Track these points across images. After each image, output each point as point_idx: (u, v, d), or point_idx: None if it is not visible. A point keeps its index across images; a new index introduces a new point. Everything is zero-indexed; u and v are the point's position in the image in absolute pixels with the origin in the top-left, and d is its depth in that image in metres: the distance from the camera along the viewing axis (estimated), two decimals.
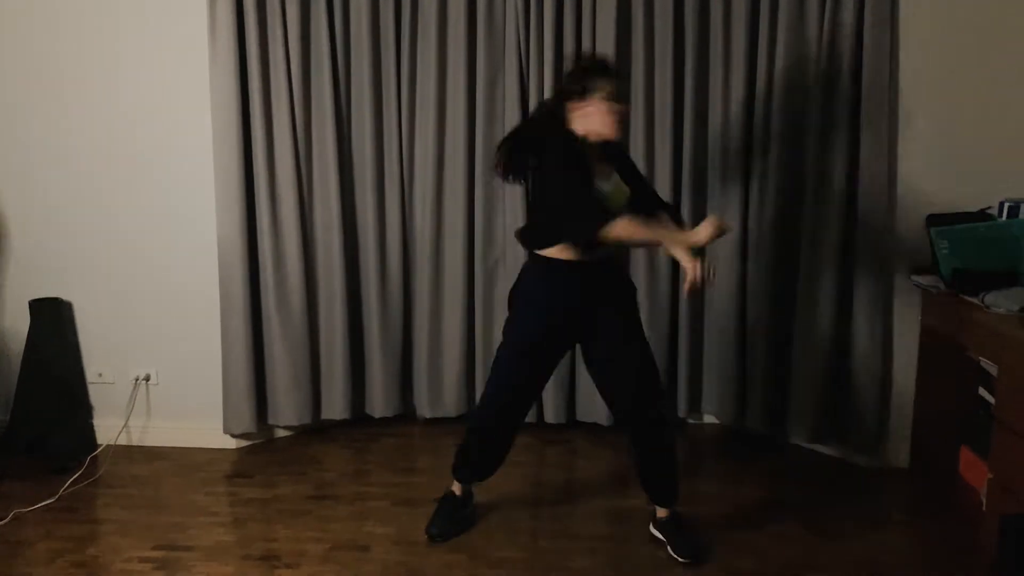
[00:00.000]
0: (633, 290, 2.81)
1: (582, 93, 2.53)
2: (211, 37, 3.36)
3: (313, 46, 3.47)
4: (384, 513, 3.06)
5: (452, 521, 2.90)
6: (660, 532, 2.83)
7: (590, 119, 2.54)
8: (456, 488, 2.94)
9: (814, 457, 3.49)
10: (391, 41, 3.51)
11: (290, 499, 3.17)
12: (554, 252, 2.59)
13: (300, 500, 3.16)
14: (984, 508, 2.76)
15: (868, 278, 3.27)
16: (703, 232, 2.41)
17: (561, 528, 2.94)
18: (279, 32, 3.40)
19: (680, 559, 2.72)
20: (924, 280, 3.10)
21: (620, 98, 2.55)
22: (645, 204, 2.68)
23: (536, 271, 2.65)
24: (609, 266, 2.69)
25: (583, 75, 2.56)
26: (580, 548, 2.82)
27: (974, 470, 3.02)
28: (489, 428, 2.81)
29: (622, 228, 2.40)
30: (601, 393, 2.80)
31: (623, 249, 2.67)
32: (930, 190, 3.22)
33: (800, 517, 3.02)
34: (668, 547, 2.77)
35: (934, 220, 3.07)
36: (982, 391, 3.03)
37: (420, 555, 2.79)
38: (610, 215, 2.42)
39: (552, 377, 3.56)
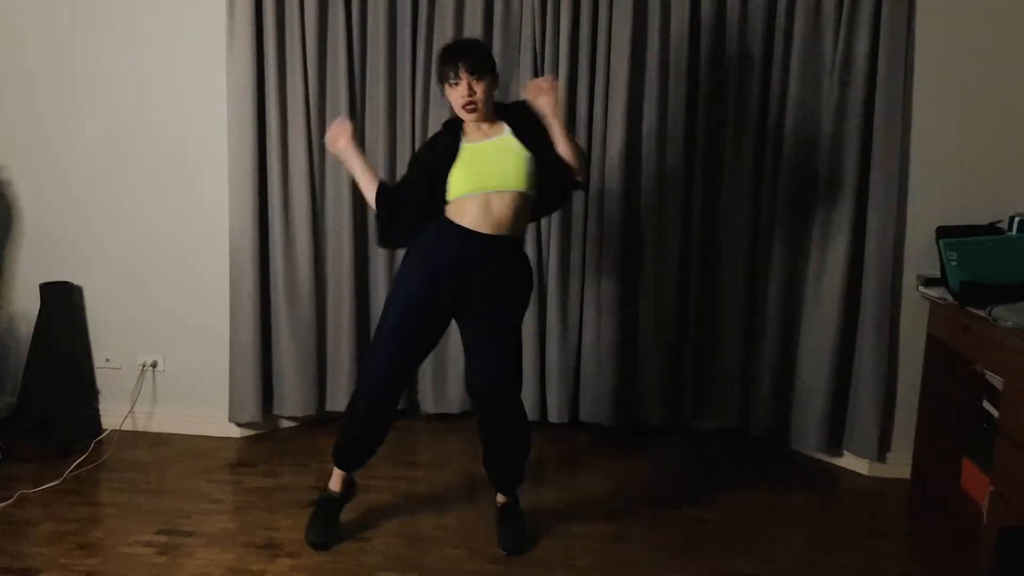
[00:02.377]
0: (523, 274, 2.76)
1: (440, 84, 2.63)
2: (229, 27, 3.38)
3: (330, 39, 3.49)
4: (386, 506, 3.07)
5: (333, 521, 2.86)
6: (497, 515, 2.88)
7: (454, 106, 2.62)
8: (335, 483, 2.88)
9: (816, 465, 3.49)
10: (407, 35, 3.52)
11: (293, 489, 3.19)
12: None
13: (303, 490, 3.17)
14: (985, 521, 2.76)
15: (876, 288, 3.27)
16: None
17: (562, 526, 2.95)
18: (296, 24, 3.42)
19: (503, 550, 2.78)
20: (932, 292, 3.11)
21: (471, 76, 2.54)
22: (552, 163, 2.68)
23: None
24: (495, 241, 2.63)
25: (437, 68, 2.66)
26: (580, 546, 2.83)
27: (976, 482, 3.02)
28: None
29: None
30: (465, 364, 2.80)
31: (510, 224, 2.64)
32: (940, 202, 3.22)
33: (801, 524, 3.03)
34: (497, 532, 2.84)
35: (944, 232, 3.08)
36: (986, 404, 3.03)
37: (421, 548, 2.80)
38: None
39: (556, 377, 3.62)
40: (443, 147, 2.65)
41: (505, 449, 2.81)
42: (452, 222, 2.61)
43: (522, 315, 2.76)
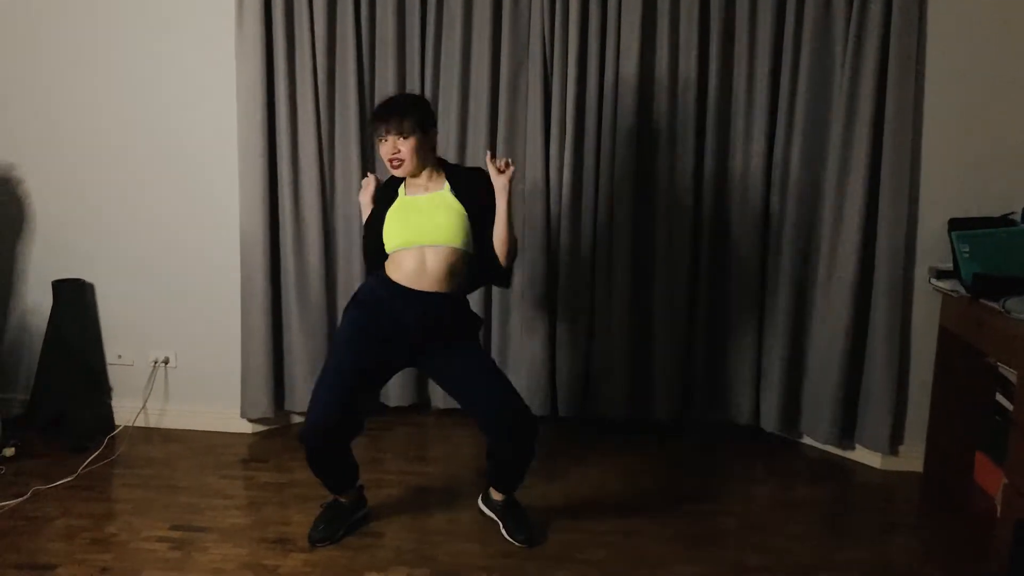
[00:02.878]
0: (472, 325, 2.82)
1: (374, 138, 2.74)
2: (238, 26, 3.39)
3: (339, 35, 3.49)
4: (397, 501, 3.08)
5: (338, 523, 2.84)
6: (493, 511, 2.90)
7: (383, 160, 2.71)
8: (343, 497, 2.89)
9: (828, 459, 3.49)
10: (416, 31, 3.52)
11: (305, 484, 3.19)
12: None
13: (314, 486, 3.14)
14: (999, 514, 2.75)
15: (887, 280, 3.26)
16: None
17: (573, 521, 2.95)
18: (305, 21, 3.42)
19: (515, 541, 2.79)
20: (944, 284, 3.09)
21: (395, 135, 2.63)
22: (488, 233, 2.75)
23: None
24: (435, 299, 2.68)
25: (369, 123, 2.84)
26: (592, 540, 2.83)
27: (989, 476, 3.01)
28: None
29: None
30: (463, 403, 2.78)
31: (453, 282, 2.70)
32: (952, 193, 3.21)
33: (813, 518, 3.03)
34: (502, 528, 2.85)
35: (956, 224, 3.06)
36: (999, 396, 3.02)
37: (433, 542, 2.81)
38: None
39: (565, 371, 3.62)
40: (386, 195, 2.77)
41: (519, 465, 2.79)
42: (389, 279, 2.68)
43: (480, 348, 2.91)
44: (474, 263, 2.73)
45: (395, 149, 2.64)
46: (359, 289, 2.80)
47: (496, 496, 2.90)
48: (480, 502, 2.98)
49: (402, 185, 2.74)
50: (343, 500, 2.87)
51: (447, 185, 2.71)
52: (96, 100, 3.55)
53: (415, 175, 2.72)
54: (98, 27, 3.50)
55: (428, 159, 2.72)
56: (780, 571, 2.66)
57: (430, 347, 2.70)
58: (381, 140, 2.66)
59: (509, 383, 2.71)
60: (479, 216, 2.70)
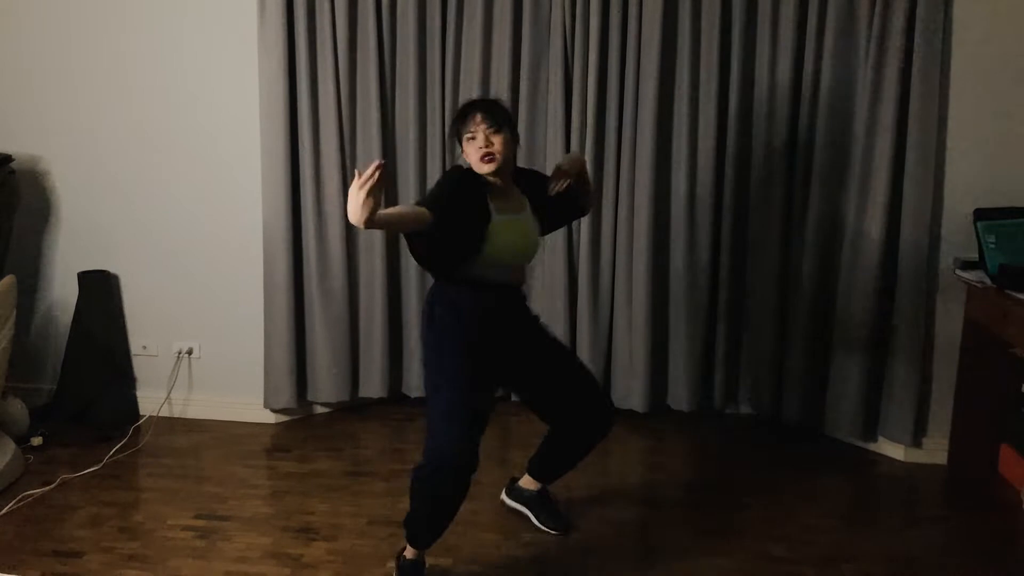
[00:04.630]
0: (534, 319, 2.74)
1: (458, 141, 2.50)
2: (260, 20, 3.40)
3: (360, 30, 3.49)
4: None
5: None
6: (523, 503, 2.89)
7: (471, 160, 2.47)
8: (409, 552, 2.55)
9: (851, 450, 3.47)
10: (437, 23, 3.52)
11: (328, 474, 3.22)
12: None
13: (337, 476, 3.21)
14: (1023, 506, 2.73)
15: (912, 271, 3.23)
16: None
17: (596, 511, 2.96)
18: (327, 16, 3.43)
19: (551, 531, 2.81)
20: (969, 275, 3.07)
21: (487, 128, 2.41)
22: (565, 214, 2.75)
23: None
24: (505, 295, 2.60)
25: (451, 127, 2.54)
26: (615, 531, 2.84)
27: (1014, 468, 2.99)
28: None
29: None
30: (545, 408, 2.74)
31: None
32: (978, 183, 3.17)
33: (835, 509, 3.02)
34: (534, 518, 2.85)
35: (982, 214, 3.03)
36: None
37: (455, 533, 2.80)
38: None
39: (587, 362, 3.60)
40: (471, 205, 2.42)
41: (583, 457, 2.80)
42: (475, 284, 2.49)
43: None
44: None
45: (487, 142, 2.41)
46: (440, 301, 2.51)
47: (531, 486, 2.89)
48: (505, 496, 2.96)
49: (488, 196, 2.45)
50: (420, 558, 2.55)
51: (527, 203, 2.57)
52: (120, 94, 3.58)
53: (502, 178, 2.48)
54: (123, 21, 3.52)
55: (511, 163, 2.52)
56: (802, 562, 2.66)
57: (522, 343, 2.62)
58: (468, 138, 2.43)
59: (588, 377, 2.74)
60: (550, 210, 2.64)
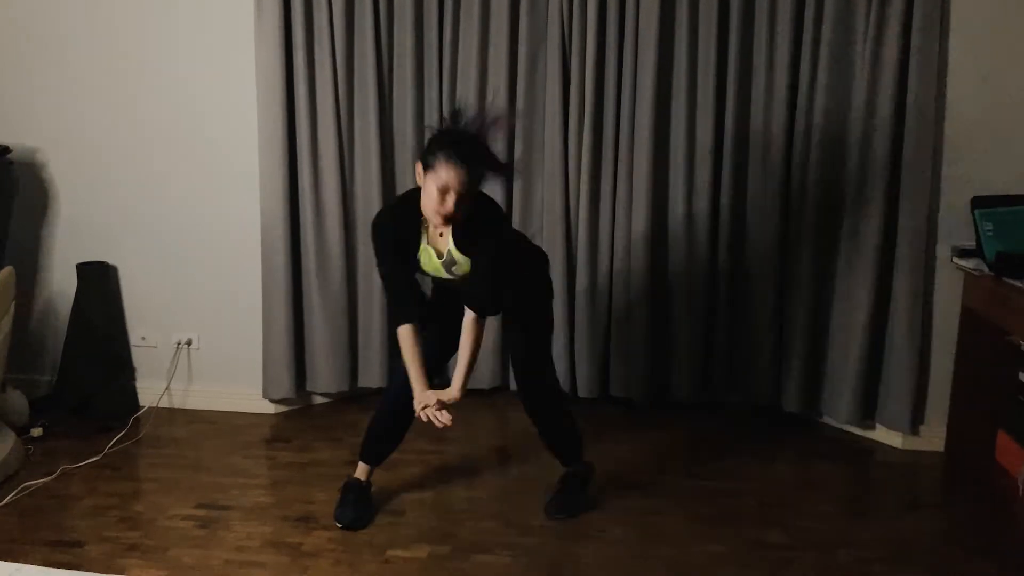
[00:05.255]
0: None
1: (425, 162, 2.41)
2: (257, 10, 3.40)
3: (357, 21, 3.49)
4: (418, 479, 3.11)
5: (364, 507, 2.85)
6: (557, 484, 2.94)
7: (426, 207, 2.42)
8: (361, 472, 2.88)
9: (849, 438, 3.48)
10: (434, 14, 3.51)
11: (327, 464, 3.23)
12: None
13: (337, 465, 3.21)
14: (1020, 493, 2.74)
15: (909, 259, 3.24)
16: (448, 394, 2.57)
17: (595, 498, 2.96)
18: (324, 6, 3.42)
19: (549, 511, 2.86)
20: (967, 263, 3.07)
21: (464, 190, 2.35)
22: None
23: None
24: None
25: (428, 151, 2.41)
26: (613, 518, 2.85)
27: (1011, 455, 3.00)
28: None
29: (402, 340, 2.57)
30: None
31: None
32: (976, 171, 3.18)
33: (833, 496, 3.03)
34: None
35: (979, 202, 3.04)
36: (1022, 376, 3.00)
37: (453, 520, 2.84)
38: (412, 304, 2.60)
39: (585, 351, 3.63)
40: (407, 232, 2.55)
41: (554, 423, 2.90)
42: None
43: None
44: None
45: (456, 207, 2.36)
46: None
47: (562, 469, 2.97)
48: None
49: (423, 228, 2.54)
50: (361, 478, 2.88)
51: (450, 238, 2.53)
52: (118, 85, 3.57)
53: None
54: (119, 12, 3.52)
55: None
56: (801, 549, 2.67)
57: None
58: (439, 187, 2.35)
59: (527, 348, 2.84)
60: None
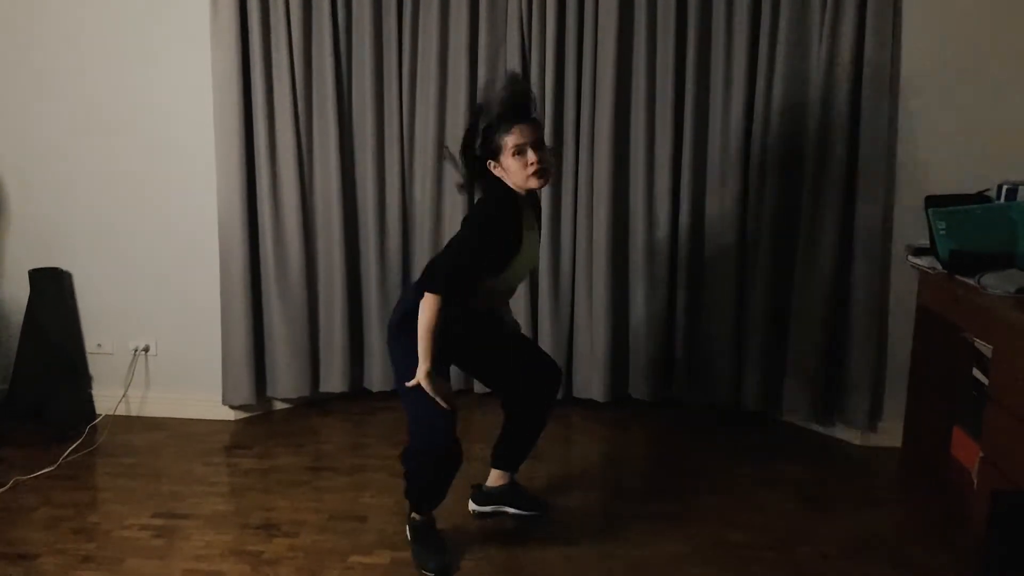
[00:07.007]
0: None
1: (493, 155, 2.40)
2: (213, 11, 3.36)
3: (315, 21, 3.46)
4: (381, 485, 3.09)
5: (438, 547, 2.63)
6: (495, 502, 2.84)
7: (515, 176, 2.39)
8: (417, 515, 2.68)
9: (808, 435, 3.52)
10: (393, 15, 3.50)
11: (288, 470, 3.20)
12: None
13: (298, 471, 3.18)
14: (975, 486, 2.78)
15: (865, 258, 3.28)
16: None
17: (557, 501, 2.97)
18: (281, 6, 3.39)
19: (531, 512, 2.82)
20: (921, 261, 3.11)
21: (536, 138, 2.37)
22: None
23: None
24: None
25: (484, 138, 2.41)
26: (576, 520, 2.85)
27: (966, 449, 3.05)
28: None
29: (434, 314, 2.34)
30: (499, 383, 2.80)
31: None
32: (929, 171, 3.23)
33: (793, 493, 3.06)
34: (511, 509, 2.83)
35: (932, 201, 3.07)
36: (976, 372, 3.05)
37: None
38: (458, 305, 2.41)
39: (551, 351, 3.63)
40: (510, 232, 2.42)
41: (540, 426, 2.80)
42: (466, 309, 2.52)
43: None
44: None
45: (539, 155, 2.35)
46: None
47: (499, 481, 2.84)
48: (474, 505, 2.87)
49: (520, 215, 2.44)
50: (428, 518, 2.67)
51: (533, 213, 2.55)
52: (72, 88, 3.51)
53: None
54: (74, 15, 3.45)
55: None
56: (762, 547, 2.69)
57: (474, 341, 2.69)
58: (514, 153, 2.35)
59: (543, 357, 2.79)
60: None
